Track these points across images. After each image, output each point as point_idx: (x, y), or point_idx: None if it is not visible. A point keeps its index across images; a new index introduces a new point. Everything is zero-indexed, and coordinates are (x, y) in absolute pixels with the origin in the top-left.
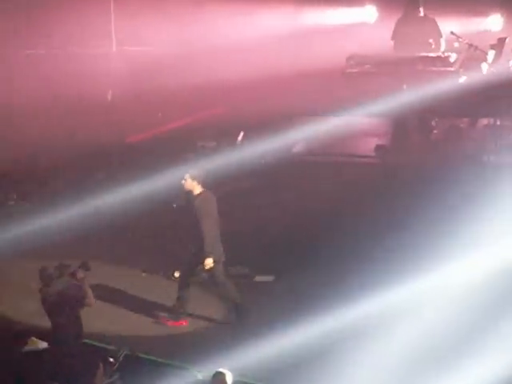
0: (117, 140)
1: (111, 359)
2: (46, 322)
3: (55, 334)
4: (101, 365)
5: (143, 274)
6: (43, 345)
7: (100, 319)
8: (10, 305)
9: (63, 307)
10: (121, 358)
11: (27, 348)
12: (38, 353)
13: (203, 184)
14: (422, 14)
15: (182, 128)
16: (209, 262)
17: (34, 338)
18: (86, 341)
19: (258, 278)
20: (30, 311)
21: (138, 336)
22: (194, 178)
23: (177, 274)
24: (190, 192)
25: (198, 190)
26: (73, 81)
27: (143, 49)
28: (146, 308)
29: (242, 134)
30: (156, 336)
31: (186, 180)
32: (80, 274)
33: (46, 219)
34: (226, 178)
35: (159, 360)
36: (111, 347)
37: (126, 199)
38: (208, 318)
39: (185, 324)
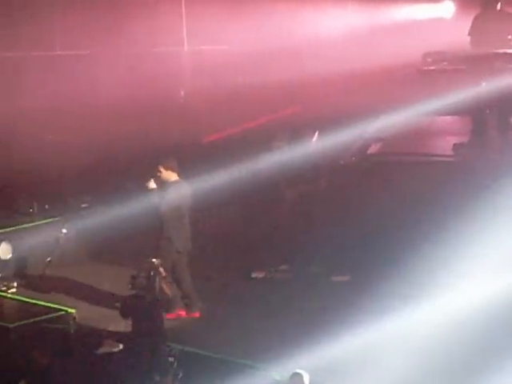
0: (191, 140)
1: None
2: (121, 326)
3: (136, 337)
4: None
5: None
6: (117, 347)
7: None
8: (87, 308)
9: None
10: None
11: (101, 350)
12: (113, 355)
13: (178, 173)
14: (500, 8)
15: (258, 127)
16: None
17: (109, 341)
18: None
19: (335, 278)
20: (106, 314)
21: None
22: (167, 168)
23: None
24: (165, 182)
25: (173, 178)
26: (144, 81)
27: (216, 47)
28: None
29: (317, 133)
30: (226, 336)
31: (160, 171)
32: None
33: (120, 222)
34: (302, 178)
35: (234, 360)
36: (179, 347)
37: (201, 199)
38: (277, 316)
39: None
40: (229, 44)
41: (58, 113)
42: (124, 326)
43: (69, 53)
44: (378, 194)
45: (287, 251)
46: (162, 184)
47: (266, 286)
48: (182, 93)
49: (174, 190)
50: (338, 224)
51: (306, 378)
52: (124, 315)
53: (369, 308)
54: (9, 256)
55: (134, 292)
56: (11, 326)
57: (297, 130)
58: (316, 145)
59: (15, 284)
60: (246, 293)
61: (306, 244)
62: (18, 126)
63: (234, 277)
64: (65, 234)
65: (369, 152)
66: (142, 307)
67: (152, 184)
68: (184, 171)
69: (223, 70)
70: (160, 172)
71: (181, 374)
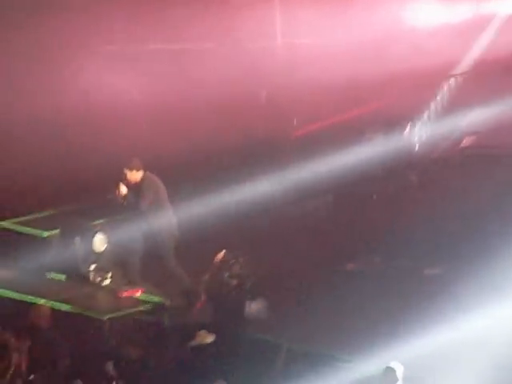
0: (284, 134)
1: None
2: (212, 316)
3: (222, 327)
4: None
5: None
6: (210, 338)
7: None
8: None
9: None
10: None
11: (194, 342)
12: (205, 346)
13: (144, 168)
14: None
15: (350, 120)
16: None
17: (201, 332)
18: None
19: (427, 271)
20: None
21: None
22: (132, 169)
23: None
24: (135, 183)
25: (140, 176)
26: (232, 76)
27: (310, 41)
28: None
29: (409, 125)
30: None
31: (126, 176)
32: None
33: (212, 212)
34: (393, 172)
35: (327, 353)
36: (272, 339)
37: (292, 193)
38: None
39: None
40: (322, 38)
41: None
42: (214, 316)
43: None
44: (472, 188)
45: (379, 244)
46: (133, 186)
47: (358, 278)
48: (273, 87)
49: (146, 186)
50: (431, 217)
51: (400, 371)
52: (212, 303)
53: (460, 302)
54: (103, 248)
55: (224, 281)
56: (105, 318)
57: (389, 123)
58: (409, 137)
59: (110, 275)
60: (338, 285)
61: (398, 237)
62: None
63: (326, 270)
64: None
65: (462, 145)
66: (232, 296)
67: (123, 189)
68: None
69: (315, 63)
70: (126, 175)
71: (276, 367)
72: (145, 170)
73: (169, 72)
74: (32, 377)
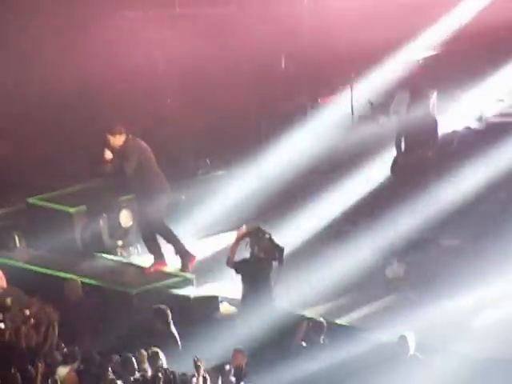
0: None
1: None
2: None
3: (244, 297)
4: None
5: None
6: (233, 310)
7: None
8: (205, 273)
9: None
10: (310, 325)
11: (219, 313)
12: (229, 318)
13: (126, 134)
14: None
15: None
16: None
17: (226, 304)
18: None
19: (446, 242)
20: (224, 279)
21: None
22: (114, 134)
23: None
24: (120, 148)
25: (123, 139)
26: (257, 40)
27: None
28: None
29: (435, 94)
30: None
31: (109, 139)
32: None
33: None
34: (419, 143)
35: (339, 323)
36: (297, 313)
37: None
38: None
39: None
40: None
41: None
42: (239, 290)
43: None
44: (494, 157)
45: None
46: (117, 151)
47: (375, 250)
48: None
49: (129, 150)
50: (450, 189)
51: (412, 340)
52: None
53: (478, 272)
54: (130, 223)
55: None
56: (134, 292)
57: (415, 91)
58: (434, 107)
59: (136, 251)
60: (359, 258)
61: (416, 209)
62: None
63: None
64: (184, 199)
65: (485, 114)
66: (257, 267)
67: (108, 154)
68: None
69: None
70: (109, 140)
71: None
72: (127, 134)
73: (194, 37)
74: (66, 350)
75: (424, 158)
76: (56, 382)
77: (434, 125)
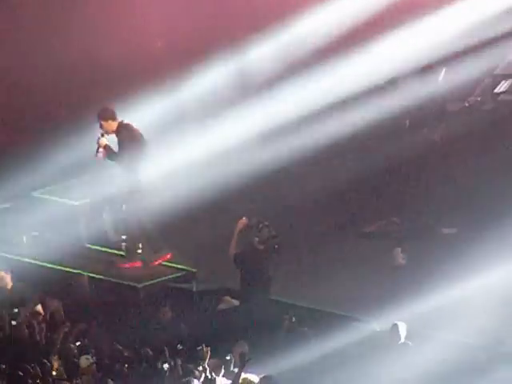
0: None
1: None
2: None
3: (244, 289)
4: (285, 320)
5: None
6: (235, 303)
7: None
8: (207, 266)
9: (261, 260)
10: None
11: (221, 306)
12: (231, 310)
13: (118, 119)
14: None
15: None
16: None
17: (227, 297)
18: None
19: (445, 230)
20: (225, 272)
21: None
22: (107, 119)
23: None
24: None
25: (115, 125)
26: None
27: None
28: None
29: (444, 71)
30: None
31: (102, 124)
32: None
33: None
34: (425, 121)
35: (335, 312)
36: (291, 302)
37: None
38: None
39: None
40: None
41: None
42: (241, 282)
43: None
44: (506, 136)
45: (398, 204)
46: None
47: (377, 240)
48: None
49: (124, 134)
50: (451, 175)
51: (403, 328)
52: (238, 265)
53: (476, 260)
54: None
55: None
56: (140, 285)
57: (424, 68)
58: (442, 83)
59: (140, 245)
60: (357, 247)
61: (417, 197)
62: None
63: (345, 232)
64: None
65: (497, 91)
66: (257, 259)
67: (104, 140)
68: None
69: None
70: (102, 126)
71: (290, 327)
72: (120, 119)
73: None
74: (79, 343)
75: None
76: (76, 373)
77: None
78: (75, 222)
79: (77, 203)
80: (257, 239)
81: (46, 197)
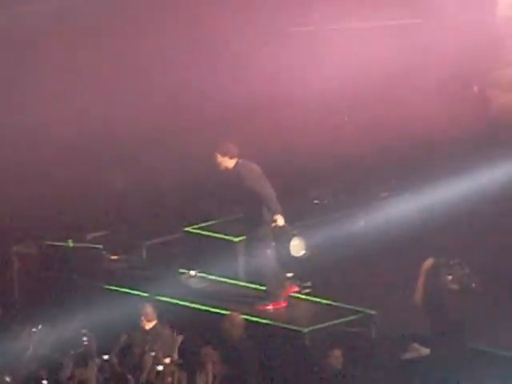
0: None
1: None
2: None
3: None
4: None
5: None
6: (425, 351)
7: None
8: (387, 308)
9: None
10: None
11: (407, 355)
12: (420, 360)
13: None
14: None
15: None
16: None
17: (415, 344)
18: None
19: None
20: (408, 315)
21: None
22: (224, 154)
23: None
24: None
25: (233, 162)
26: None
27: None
28: None
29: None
30: None
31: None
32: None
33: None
34: None
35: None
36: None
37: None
38: None
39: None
40: None
41: None
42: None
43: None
44: None
45: None
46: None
47: None
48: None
49: (241, 174)
50: None
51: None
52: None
53: None
54: (302, 252)
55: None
56: (305, 330)
57: None
58: None
59: (309, 284)
60: None
61: None
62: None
63: None
64: (363, 227)
65: None
66: (451, 300)
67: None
68: None
69: None
70: (217, 160)
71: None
72: (239, 158)
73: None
74: None
75: None
76: None
77: None
78: (233, 258)
79: (236, 239)
80: (450, 277)
81: (201, 232)
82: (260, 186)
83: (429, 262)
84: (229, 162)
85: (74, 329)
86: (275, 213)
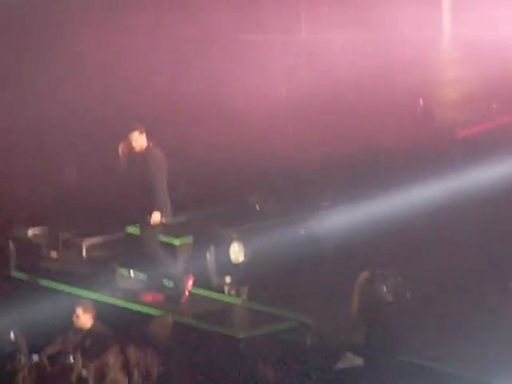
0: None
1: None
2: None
3: (370, 346)
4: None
5: None
6: (359, 361)
7: None
8: (323, 317)
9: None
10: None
11: (341, 364)
12: (353, 370)
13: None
14: None
15: None
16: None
17: (348, 354)
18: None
19: None
20: (344, 324)
21: None
22: (142, 132)
23: None
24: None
25: (145, 138)
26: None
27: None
28: None
29: None
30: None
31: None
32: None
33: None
34: None
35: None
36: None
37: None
38: None
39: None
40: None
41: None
42: (366, 338)
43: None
44: None
45: None
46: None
47: None
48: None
49: (153, 157)
50: None
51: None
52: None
53: None
54: (241, 259)
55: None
56: (240, 337)
57: None
58: None
59: (246, 290)
60: (502, 303)
61: None
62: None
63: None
64: (303, 235)
65: None
66: (388, 313)
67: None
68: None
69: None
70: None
71: None
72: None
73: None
74: None
75: None
76: None
77: None
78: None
79: (177, 242)
80: (385, 288)
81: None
82: (161, 176)
83: (364, 274)
84: (144, 142)
85: (2, 326)
86: (159, 208)
